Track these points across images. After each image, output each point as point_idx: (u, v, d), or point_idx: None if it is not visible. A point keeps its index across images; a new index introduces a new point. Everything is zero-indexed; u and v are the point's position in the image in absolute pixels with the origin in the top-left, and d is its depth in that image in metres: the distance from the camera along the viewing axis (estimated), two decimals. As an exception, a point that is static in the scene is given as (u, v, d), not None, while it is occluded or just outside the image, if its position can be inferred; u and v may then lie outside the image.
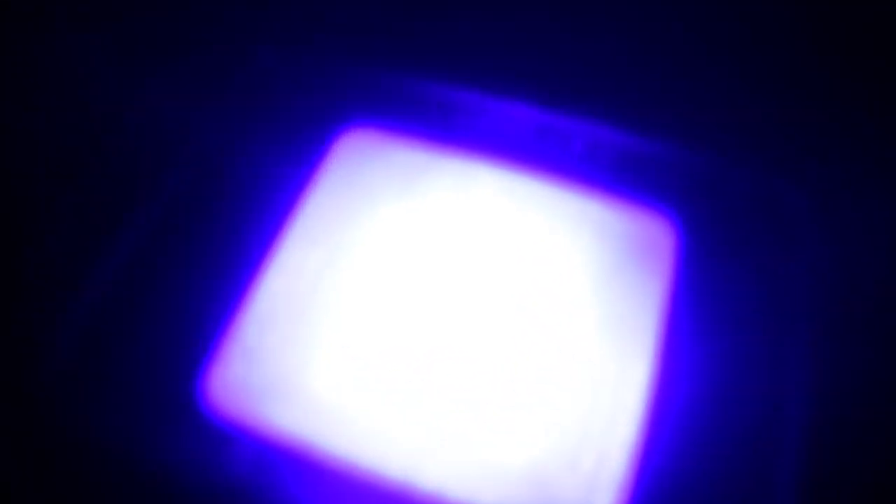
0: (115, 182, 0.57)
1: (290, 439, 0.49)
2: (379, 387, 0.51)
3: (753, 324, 0.55)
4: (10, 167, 0.57)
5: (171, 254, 0.55)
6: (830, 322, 0.55)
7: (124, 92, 0.60)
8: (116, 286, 0.53)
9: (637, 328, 0.55)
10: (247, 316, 0.53)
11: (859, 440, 0.54)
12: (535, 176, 0.60)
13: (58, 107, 0.59)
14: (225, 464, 0.47)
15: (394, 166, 0.61)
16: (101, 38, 0.63)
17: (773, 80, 0.65)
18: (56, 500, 0.47)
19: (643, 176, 0.60)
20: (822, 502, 0.52)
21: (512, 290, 0.56)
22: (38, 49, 0.62)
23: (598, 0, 0.68)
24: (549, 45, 0.66)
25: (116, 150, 0.58)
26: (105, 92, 0.60)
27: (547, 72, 0.64)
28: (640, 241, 0.58)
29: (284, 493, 0.47)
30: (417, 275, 0.56)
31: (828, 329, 0.55)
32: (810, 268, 0.57)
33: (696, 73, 0.65)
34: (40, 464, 0.47)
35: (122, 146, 0.58)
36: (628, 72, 0.65)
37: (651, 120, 0.62)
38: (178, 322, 0.52)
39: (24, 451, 0.47)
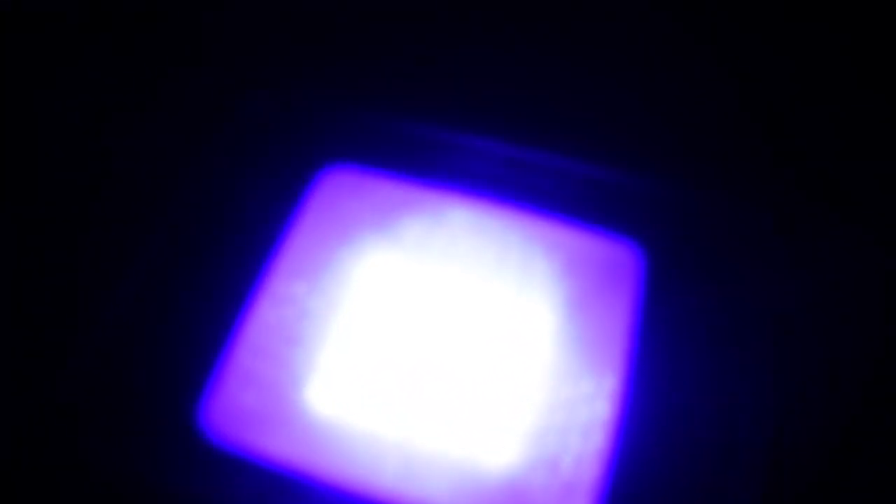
0: (108, 221, 0.59)
1: (288, 461, 0.51)
2: (367, 407, 0.54)
3: (717, 343, 0.59)
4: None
5: (170, 287, 0.57)
6: (791, 341, 0.59)
7: (115, 133, 0.63)
8: (119, 320, 0.55)
9: (607, 347, 0.58)
10: (242, 344, 0.55)
11: (817, 454, 0.58)
12: (507, 208, 0.64)
13: (53, 144, 0.62)
14: (225, 487, 0.49)
15: (373, 202, 0.64)
16: (93, 77, 0.66)
17: (736, 107, 0.70)
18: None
19: (609, 205, 0.64)
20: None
21: (489, 316, 0.59)
22: (36, 90, 0.65)
23: (562, 38, 0.72)
24: (516, 82, 0.70)
25: (107, 191, 0.60)
26: (96, 134, 0.62)
27: (516, 108, 0.68)
28: (608, 268, 0.62)
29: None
30: (399, 302, 0.59)
31: (788, 348, 0.58)
32: (772, 288, 0.61)
33: (658, 103, 0.69)
34: (47, 485, 0.48)
35: (113, 187, 0.60)
36: (593, 105, 0.69)
37: (616, 151, 0.66)
38: (178, 351, 0.54)
39: (31, 473, 0.48)
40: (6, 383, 0.51)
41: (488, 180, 0.65)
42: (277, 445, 0.52)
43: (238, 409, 0.53)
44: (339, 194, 0.64)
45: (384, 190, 0.65)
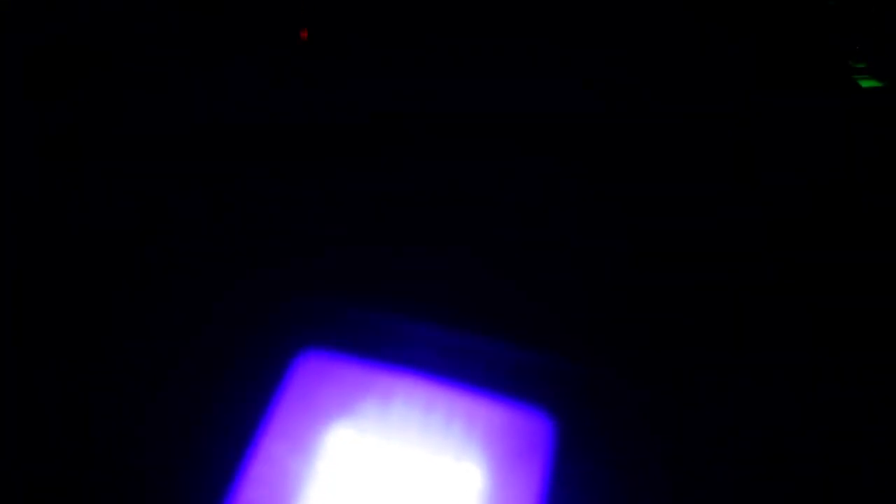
0: (122, 383, 0.77)
1: None
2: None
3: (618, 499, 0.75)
4: None
5: (171, 453, 0.74)
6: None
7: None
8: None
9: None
10: (239, 499, 0.72)
11: None
12: (443, 386, 0.80)
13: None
14: None
15: (338, 383, 0.81)
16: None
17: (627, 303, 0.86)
18: None
19: (527, 382, 0.81)
20: None
21: (424, 481, 0.75)
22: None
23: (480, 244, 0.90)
24: (452, 280, 0.88)
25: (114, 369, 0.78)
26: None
27: (455, 298, 0.86)
28: (523, 438, 0.78)
29: None
30: (357, 470, 0.75)
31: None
32: (652, 455, 0.77)
33: (563, 296, 0.86)
34: None
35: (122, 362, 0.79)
36: (512, 299, 0.86)
37: (535, 337, 0.83)
38: None
39: None
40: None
41: (429, 362, 0.82)
42: None
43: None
44: (311, 376, 0.81)
45: (346, 372, 0.82)
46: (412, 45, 1.13)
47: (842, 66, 1.06)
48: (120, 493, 0.73)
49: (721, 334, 0.91)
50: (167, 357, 0.82)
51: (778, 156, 0.98)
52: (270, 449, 0.79)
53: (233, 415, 0.80)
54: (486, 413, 0.84)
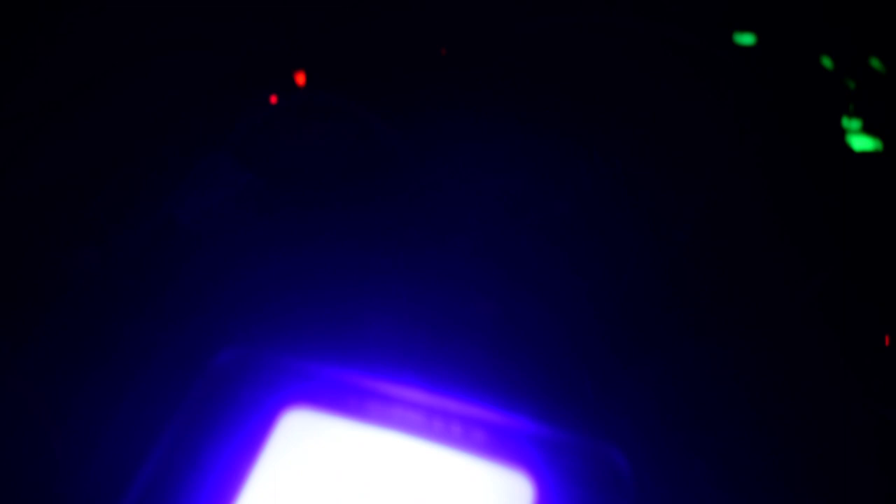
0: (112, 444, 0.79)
1: None
2: None
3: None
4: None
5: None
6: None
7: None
8: None
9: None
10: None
11: None
12: (427, 443, 0.81)
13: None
14: None
15: (321, 438, 0.82)
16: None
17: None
18: None
19: (506, 443, 0.82)
20: None
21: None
22: None
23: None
24: (436, 338, 0.89)
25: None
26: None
27: (436, 362, 0.87)
28: (503, 495, 0.79)
29: None
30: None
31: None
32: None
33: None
34: None
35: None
36: (494, 366, 0.87)
37: (515, 401, 0.84)
38: None
39: None
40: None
41: (409, 421, 0.83)
42: None
43: None
44: (295, 432, 0.83)
45: (329, 428, 0.83)
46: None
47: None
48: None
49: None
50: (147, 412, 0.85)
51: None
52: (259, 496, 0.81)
53: (217, 468, 0.82)
54: (464, 467, 0.84)
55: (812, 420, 0.84)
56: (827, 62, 1.11)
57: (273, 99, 1.16)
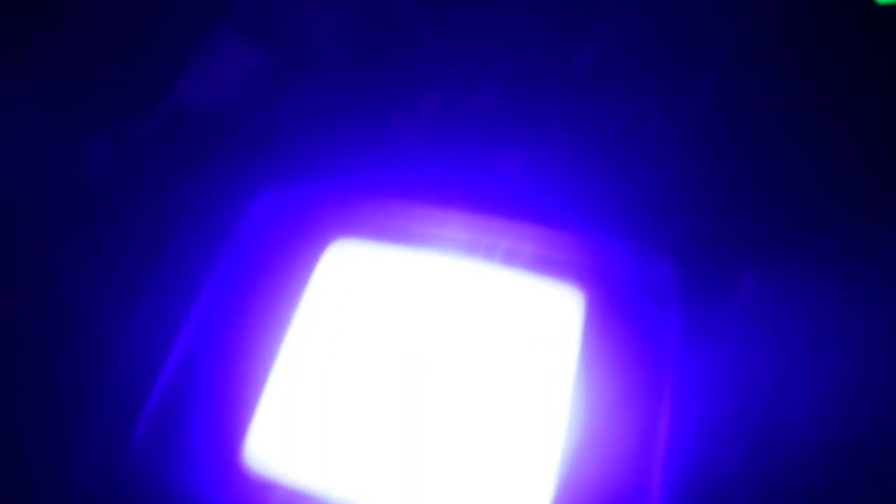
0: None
1: (313, 488, 0.67)
2: (382, 445, 0.70)
3: (638, 375, 0.75)
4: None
5: (207, 349, 0.74)
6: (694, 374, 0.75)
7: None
8: (177, 375, 0.73)
9: (560, 379, 0.74)
10: (272, 391, 0.72)
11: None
12: (476, 263, 0.80)
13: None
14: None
15: (370, 266, 0.80)
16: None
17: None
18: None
19: (556, 256, 0.80)
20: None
21: (465, 355, 0.75)
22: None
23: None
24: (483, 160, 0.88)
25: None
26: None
27: (481, 182, 0.85)
28: (554, 308, 0.78)
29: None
30: (398, 349, 0.76)
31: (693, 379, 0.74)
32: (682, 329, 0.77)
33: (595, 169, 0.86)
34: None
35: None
36: (539, 177, 0.85)
37: (563, 214, 0.83)
38: (223, 398, 0.71)
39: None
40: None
41: (456, 241, 0.82)
42: (305, 474, 0.69)
43: (272, 445, 0.69)
44: (342, 263, 0.81)
45: (375, 255, 0.81)
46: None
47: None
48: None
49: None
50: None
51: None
52: (307, 335, 0.78)
53: (264, 303, 0.80)
54: (517, 283, 0.83)
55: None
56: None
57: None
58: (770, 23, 1.02)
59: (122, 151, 1.03)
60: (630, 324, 0.77)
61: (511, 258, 0.80)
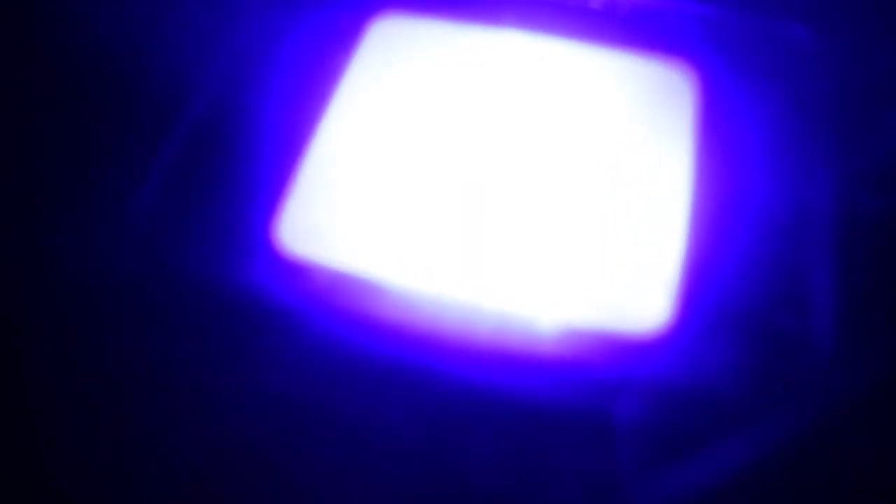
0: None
1: (350, 268, 0.54)
2: (438, 222, 0.57)
3: (772, 148, 0.60)
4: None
5: (237, 119, 0.61)
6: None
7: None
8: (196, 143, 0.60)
9: (672, 160, 0.59)
10: (308, 166, 0.58)
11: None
12: (559, 34, 0.65)
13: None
14: (294, 291, 0.53)
15: (424, 38, 0.66)
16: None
17: None
18: (145, 318, 0.53)
19: (660, 27, 0.65)
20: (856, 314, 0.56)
21: (552, 136, 0.61)
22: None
23: None
24: None
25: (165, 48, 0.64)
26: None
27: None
28: (663, 87, 0.63)
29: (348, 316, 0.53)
30: (458, 127, 0.61)
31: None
32: (817, 99, 0.61)
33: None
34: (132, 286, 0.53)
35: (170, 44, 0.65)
36: None
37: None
38: (252, 173, 0.58)
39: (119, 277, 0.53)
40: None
41: (538, 6, 0.66)
42: (339, 253, 0.55)
43: (304, 222, 0.56)
44: (391, 32, 0.67)
45: (435, 26, 0.67)
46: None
47: None
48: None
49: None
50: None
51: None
52: (345, 112, 0.65)
53: (302, 80, 0.66)
54: (611, 59, 0.67)
55: None
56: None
57: None
58: None
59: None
60: (752, 109, 0.62)
61: (597, 34, 0.65)
